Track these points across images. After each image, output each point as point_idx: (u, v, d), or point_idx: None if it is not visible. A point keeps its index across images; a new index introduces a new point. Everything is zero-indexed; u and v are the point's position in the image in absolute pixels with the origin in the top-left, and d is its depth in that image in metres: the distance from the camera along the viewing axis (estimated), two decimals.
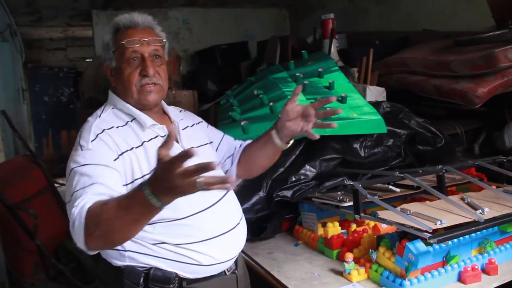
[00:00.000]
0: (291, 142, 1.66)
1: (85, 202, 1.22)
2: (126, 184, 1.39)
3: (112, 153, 1.38)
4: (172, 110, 1.67)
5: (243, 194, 2.05)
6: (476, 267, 1.54)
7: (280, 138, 1.62)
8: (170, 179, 1.05)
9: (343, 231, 1.93)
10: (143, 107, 1.52)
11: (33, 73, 9.02)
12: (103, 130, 1.42)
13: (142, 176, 1.39)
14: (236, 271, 1.56)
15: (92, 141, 1.39)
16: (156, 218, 1.34)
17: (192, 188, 1.06)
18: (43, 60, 9.50)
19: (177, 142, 1.54)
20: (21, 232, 3.26)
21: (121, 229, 1.18)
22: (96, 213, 1.18)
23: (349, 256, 1.66)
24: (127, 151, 1.41)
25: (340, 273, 1.69)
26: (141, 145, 1.44)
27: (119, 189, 1.31)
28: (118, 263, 1.42)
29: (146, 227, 1.35)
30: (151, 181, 1.10)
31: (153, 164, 1.42)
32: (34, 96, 8.92)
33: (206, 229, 1.44)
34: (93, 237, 1.19)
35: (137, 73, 1.48)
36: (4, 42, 4.98)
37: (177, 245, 1.40)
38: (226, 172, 1.75)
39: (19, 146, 4.66)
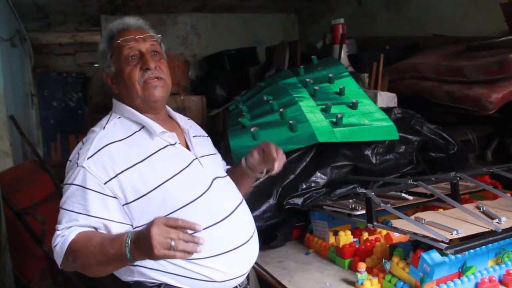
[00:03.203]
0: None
1: (70, 233, 1.30)
2: (129, 203, 1.35)
3: (105, 175, 1.34)
4: (180, 117, 1.63)
5: (253, 201, 2.03)
6: (494, 278, 1.50)
7: (255, 174, 1.68)
8: (151, 235, 1.11)
9: (355, 239, 1.90)
10: (150, 107, 1.47)
11: (42, 78, 9.07)
12: (104, 146, 1.38)
13: (149, 192, 1.35)
14: (248, 286, 1.53)
15: (88, 158, 1.35)
16: None
17: (164, 250, 1.11)
18: (52, 65, 9.54)
19: (189, 149, 1.51)
20: (28, 238, 3.24)
21: (96, 269, 1.28)
22: (76, 248, 1.27)
23: (362, 266, 1.62)
24: (127, 169, 1.36)
25: (352, 283, 1.66)
26: (147, 158, 1.39)
27: (106, 216, 1.33)
28: (127, 278, 1.40)
29: None
30: (134, 235, 1.18)
31: (161, 177, 1.38)
32: (43, 101, 8.96)
33: (219, 243, 1.40)
34: (69, 267, 1.30)
35: (137, 69, 1.45)
36: (14, 47, 5.00)
37: (188, 260, 1.36)
38: None
39: (27, 151, 4.66)
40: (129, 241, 1.18)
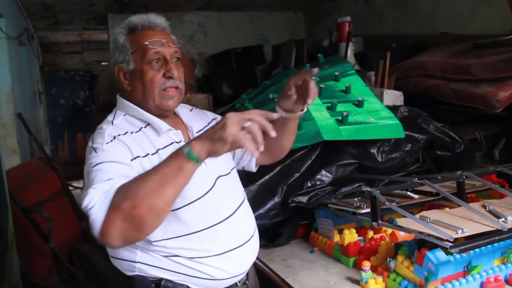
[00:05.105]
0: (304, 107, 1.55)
1: (114, 184, 1.19)
2: None
3: (128, 153, 1.32)
4: (183, 111, 1.59)
5: (258, 199, 2.03)
6: (500, 278, 1.48)
7: (294, 111, 1.55)
8: (226, 116, 1.10)
9: (360, 238, 1.89)
10: (160, 113, 1.46)
11: (50, 76, 9.15)
12: (118, 135, 1.37)
13: None
14: (247, 282, 1.54)
15: (107, 143, 1.33)
16: (170, 232, 1.35)
17: (239, 129, 1.10)
18: (60, 63, 9.60)
19: None
20: (35, 235, 3.27)
21: (151, 199, 1.12)
22: (128, 186, 1.16)
23: (366, 265, 1.61)
24: (143, 156, 1.35)
25: (357, 282, 1.65)
26: (156, 152, 1.38)
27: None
28: (129, 273, 1.40)
29: (160, 240, 1.34)
30: (195, 138, 1.15)
31: None
32: (51, 99, 9.04)
33: (221, 243, 1.40)
34: (117, 213, 1.13)
35: (160, 74, 1.42)
36: (21, 46, 5.03)
37: (190, 258, 1.36)
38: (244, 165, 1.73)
39: (35, 149, 4.69)
40: (188, 141, 1.16)
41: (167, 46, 1.44)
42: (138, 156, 1.34)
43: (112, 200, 1.15)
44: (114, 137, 1.36)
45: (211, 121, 1.65)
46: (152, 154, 1.37)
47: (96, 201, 1.17)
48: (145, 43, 1.41)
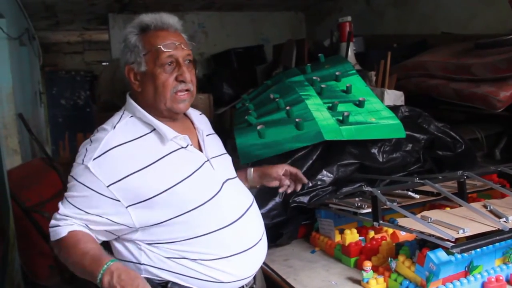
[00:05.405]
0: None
1: (64, 225, 1.34)
2: (131, 205, 1.33)
3: (109, 178, 1.33)
4: (194, 113, 1.59)
5: (259, 199, 2.01)
6: (501, 278, 1.49)
7: (255, 184, 1.78)
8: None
9: (361, 238, 1.89)
10: (171, 115, 1.45)
11: (51, 77, 9.16)
12: (112, 148, 1.36)
13: (155, 196, 1.34)
14: (254, 285, 1.53)
15: (94, 159, 1.33)
16: (176, 235, 1.36)
17: None
18: (61, 63, 9.62)
19: (201, 151, 1.48)
20: (36, 235, 3.26)
21: (71, 268, 1.34)
22: (63, 246, 1.33)
23: (368, 265, 1.62)
24: (134, 172, 1.34)
25: (358, 282, 1.65)
26: (156, 162, 1.37)
27: (104, 215, 1.34)
28: None
29: (166, 242, 1.36)
30: (117, 266, 1.23)
31: (169, 180, 1.35)
32: (51, 99, 9.04)
33: (228, 246, 1.40)
34: (57, 251, 1.38)
35: (172, 78, 1.40)
36: (22, 46, 5.03)
37: (196, 261, 1.36)
38: None
39: (36, 149, 4.70)
40: (107, 267, 1.22)
41: (180, 49, 1.42)
42: (122, 178, 1.33)
43: (56, 242, 1.36)
44: (107, 151, 1.35)
45: (214, 133, 1.68)
46: (148, 166, 1.36)
47: (55, 224, 1.36)
48: (159, 46, 1.40)
